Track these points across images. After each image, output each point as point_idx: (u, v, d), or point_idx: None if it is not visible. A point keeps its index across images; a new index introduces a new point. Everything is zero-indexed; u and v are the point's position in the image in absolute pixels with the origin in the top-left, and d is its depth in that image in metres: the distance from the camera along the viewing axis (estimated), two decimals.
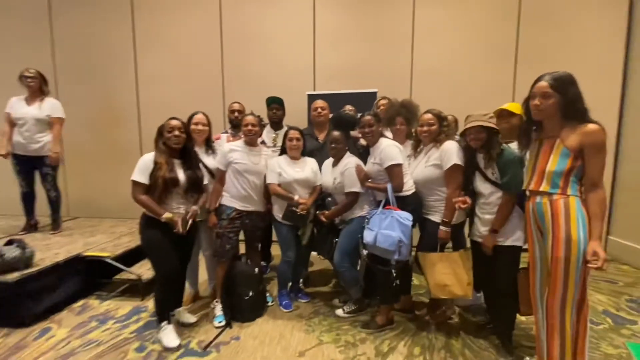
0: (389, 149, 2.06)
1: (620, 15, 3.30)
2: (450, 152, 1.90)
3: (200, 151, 2.30)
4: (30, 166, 3.12)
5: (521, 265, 1.82)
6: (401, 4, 3.55)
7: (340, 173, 2.20)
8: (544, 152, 1.54)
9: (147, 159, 1.94)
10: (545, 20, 3.38)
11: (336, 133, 2.24)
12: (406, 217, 1.91)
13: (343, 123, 2.39)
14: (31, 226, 3.25)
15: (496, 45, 3.47)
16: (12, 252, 2.26)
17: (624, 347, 1.95)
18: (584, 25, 3.33)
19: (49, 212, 3.24)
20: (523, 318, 2.05)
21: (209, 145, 2.37)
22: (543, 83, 1.47)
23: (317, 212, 2.32)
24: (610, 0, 3.29)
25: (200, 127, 2.30)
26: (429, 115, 2.02)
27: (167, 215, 1.91)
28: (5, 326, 2.17)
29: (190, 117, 2.30)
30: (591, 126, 1.41)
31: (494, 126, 1.78)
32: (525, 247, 1.75)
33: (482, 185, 1.84)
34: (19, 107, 3.03)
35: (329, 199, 2.36)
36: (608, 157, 3.53)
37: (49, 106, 3.10)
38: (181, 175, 1.97)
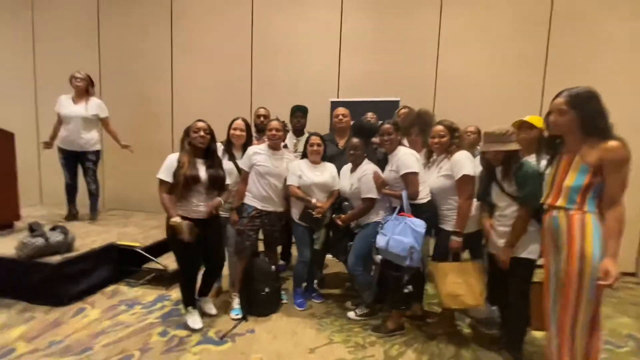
0: (406, 157, 2.11)
1: None
2: (461, 163, 1.92)
3: (237, 155, 2.46)
4: (74, 160, 3.42)
5: (536, 280, 1.80)
6: (427, 13, 3.59)
7: (357, 179, 2.26)
8: (563, 167, 1.53)
9: (172, 158, 2.08)
10: (577, 27, 3.28)
11: (355, 140, 2.31)
12: (419, 224, 1.94)
13: (363, 131, 2.46)
14: (72, 215, 3.55)
15: (524, 54, 3.41)
16: (56, 236, 2.50)
17: None
18: (616, 34, 3.21)
19: (89, 203, 3.53)
20: (539, 334, 2.01)
21: (245, 149, 2.46)
22: (560, 100, 1.47)
23: (334, 215, 2.40)
24: None
25: (238, 132, 2.44)
26: (440, 127, 2.05)
27: (175, 219, 1.97)
28: (46, 304, 2.39)
29: (231, 123, 2.47)
30: (612, 143, 1.39)
31: (513, 149, 1.76)
32: (540, 262, 1.74)
33: (498, 198, 1.84)
34: (66, 105, 3.34)
35: (346, 203, 2.43)
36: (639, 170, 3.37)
37: (96, 106, 3.40)
38: (202, 173, 2.08)
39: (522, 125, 1.97)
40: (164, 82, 4.29)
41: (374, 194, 2.21)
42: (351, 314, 2.38)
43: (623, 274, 3.32)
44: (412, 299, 2.28)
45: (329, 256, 2.73)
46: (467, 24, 3.52)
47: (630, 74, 3.22)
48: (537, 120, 1.94)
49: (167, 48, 4.25)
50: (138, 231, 3.25)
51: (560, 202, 1.50)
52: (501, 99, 3.44)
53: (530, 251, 1.77)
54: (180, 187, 2.02)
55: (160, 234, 3.12)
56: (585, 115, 1.43)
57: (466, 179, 1.91)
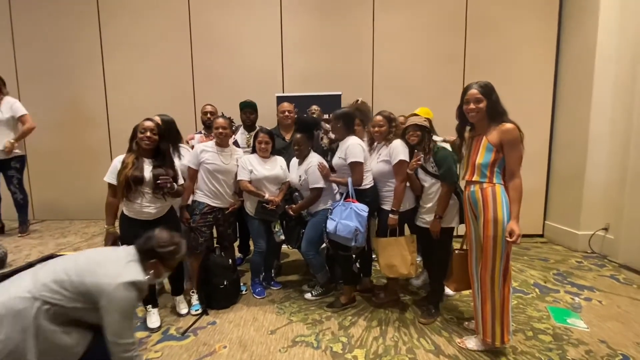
0: (354, 147, 2.25)
1: (552, 27, 3.78)
2: (398, 149, 2.18)
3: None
4: None
5: (455, 249, 2.14)
6: (361, 12, 3.83)
7: (304, 171, 2.42)
8: (475, 148, 1.84)
9: (117, 160, 2.03)
10: (487, 30, 3.79)
11: (298, 136, 2.46)
12: (362, 208, 2.16)
13: (305, 126, 2.62)
14: None
15: (447, 52, 3.84)
16: None
17: (545, 311, 2.34)
18: (519, 36, 3.78)
19: (16, 214, 3.22)
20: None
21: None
22: (474, 90, 1.76)
23: (286, 206, 2.53)
24: (543, 13, 3.76)
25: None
26: (379, 117, 2.29)
27: (107, 228, 2.09)
28: None
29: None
30: (508, 125, 1.72)
31: (427, 125, 2.11)
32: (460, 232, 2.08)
33: (423, 178, 2.15)
34: None
35: (296, 194, 2.58)
36: (543, 152, 4.03)
37: (9, 107, 3.06)
38: (147, 173, 2.00)
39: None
40: (95, 79, 4.00)
41: (320, 184, 2.38)
42: (308, 295, 2.56)
43: (532, 235, 3.98)
44: (360, 274, 2.54)
45: (285, 246, 2.86)
46: (397, 24, 3.84)
47: (532, 71, 3.80)
48: (425, 112, 2.36)
49: (96, 43, 3.96)
50: (80, 239, 3.07)
51: (475, 177, 1.82)
52: (429, 91, 3.83)
53: (448, 221, 2.11)
54: (121, 188, 1.97)
55: None
56: (491, 102, 1.74)
57: (402, 163, 2.17)
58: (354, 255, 2.24)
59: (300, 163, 2.50)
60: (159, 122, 2.17)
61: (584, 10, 3.50)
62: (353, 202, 2.20)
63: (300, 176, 2.45)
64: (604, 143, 3.36)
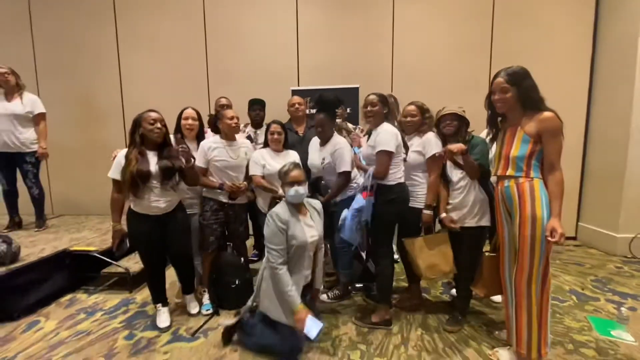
0: (385, 134, 1.95)
1: (588, 12, 3.49)
2: (432, 142, 2.01)
3: (192, 147, 2.27)
4: (11, 163, 3.11)
5: (484, 251, 1.95)
6: (380, 1, 3.66)
7: (330, 154, 2.23)
8: (508, 140, 1.66)
9: (121, 155, 1.95)
10: (518, 17, 3.54)
11: (321, 116, 2.23)
12: (360, 200, 1.96)
13: (326, 104, 2.30)
14: (15, 224, 3.24)
15: (472, 41, 3.62)
16: None
17: (586, 321, 2.11)
18: (554, 22, 3.51)
19: (33, 209, 3.23)
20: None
21: (200, 140, 2.35)
22: (500, 79, 1.59)
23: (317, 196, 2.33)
24: None
25: (190, 121, 2.31)
26: (412, 107, 2.12)
27: (113, 225, 2.02)
28: None
29: (181, 113, 2.34)
30: (546, 114, 1.54)
31: (465, 116, 1.94)
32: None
33: (452, 172, 1.98)
34: None
35: (323, 182, 2.41)
36: (577, 148, 3.74)
37: (30, 102, 3.08)
38: (153, 167, 1.92)
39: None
40: (111, 75, 4.00)
41: (348, 167, 2.20)
42: (324, 297, 2.42)
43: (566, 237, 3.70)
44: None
45: None
46: (418, 13, 3.65)
47: (567, 60, 3.53)
48: None
49: (112, 40, 3.96)
50: (94, 235, 3.05)
51: (509, 172, 1.63)
52: (453, 82, 3.62)
53: (479, 219, 1.94)
54: (128, 185, 1.88)
55: None
56: (523, 90, 1.56)
57: (435, 158, 2.00)
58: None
59: (322, 144, 2.33)
60: (194, 112, 2.30)
61: None
62: (364, 195, 1.96)
63: (323, 159, 2.27)
64: None
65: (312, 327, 1.67)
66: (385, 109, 2.02)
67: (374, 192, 1.97)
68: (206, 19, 3.85)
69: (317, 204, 2.02)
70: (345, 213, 2.03)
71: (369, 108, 2.02)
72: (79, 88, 4.04)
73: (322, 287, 2.02)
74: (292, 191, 1.82)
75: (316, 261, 1.96)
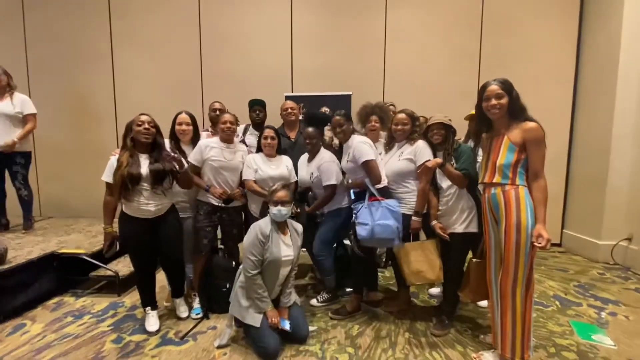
0: (360, 146, 2.15)
1: (572, 25, 3.62)
2: (424, 150, 2.06)
3: (187, 152, 2.31)
4: None
5: (471, 257, 2.00)
6: (373, 9, 3.74)
7: (316, 167, 2.31)
8: (495, 148, 1.72)
9: (114, 158, 1.96)
10: (505, 28, 3.65)
11: (310, 130, 2.34)
12: (394, 204, 2.03)
13: (316, 120, 2.50)
14: (1, 226, 3.19)
15: (462, 50, 3.71)
16: None
17: (568, 325, 2.17)
18: (539, 33, 3.63)
19: (21, 211, 3.19)
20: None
21: (195, 144, 2.35)
22: (494, 86, 1.65)
23: (296, 208, 2.40)
24: (563, 11, 3.61)
25: (183, 127, 2.32)
26: (403, 115, 2.17)
27: (105, 228, 2.01)
28: None
29: (175, 117, 2.35)
30: (531, 124, 1.60)
31: (451, 124, 2.00)
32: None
33: (442, 179, 2.02)
34: None
35: (311, 193, 2.47)
36: (562, 156, 3.85)
37: (20, 102, 3.05)
38: (144, 169, 1.93)
39: (473, 117, 2.15)
40: (104, 76, 3.99)
41: (334, 181, 2.26)
42: (313, 301, 2.44)
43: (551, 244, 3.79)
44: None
45: None
46: (410, 21, 3.74)
47: (552, 70, 3.65)
48: None
49: (106, 40, 3.95)
50: (82, 238, 3.02)
51: (496, 179, 1.69)
52: (443, 91, 3.71)
53: (467, 226, 1.98)
54: (118, 187, 1.89)
55: None
56: (512, 99, 1.62)
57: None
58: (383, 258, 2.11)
59: (310, 160, 2.39)
60: (188, 117, 2.31)
61: (608, 5, 3.33)
62: (380, 199, 2.05)
63: (312, 173, 2.34)
64: (628, 146, 3.18)
65: (284, 321, 1.93)
66: (351, 124, 2.29)
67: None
68: (201, 21, 3.88)
69: (298, 227, 2.12)
70: (367, 229, 2.00)
71: (337, 130, 2.26)
72: (71, 89, 4.01)
73: (290, 304, 2.08)
74: (275, 210, 1.94)
75: (286, 282, 2.05)
